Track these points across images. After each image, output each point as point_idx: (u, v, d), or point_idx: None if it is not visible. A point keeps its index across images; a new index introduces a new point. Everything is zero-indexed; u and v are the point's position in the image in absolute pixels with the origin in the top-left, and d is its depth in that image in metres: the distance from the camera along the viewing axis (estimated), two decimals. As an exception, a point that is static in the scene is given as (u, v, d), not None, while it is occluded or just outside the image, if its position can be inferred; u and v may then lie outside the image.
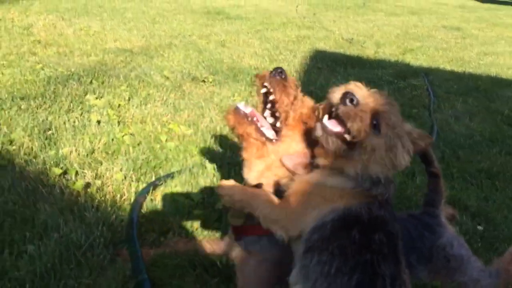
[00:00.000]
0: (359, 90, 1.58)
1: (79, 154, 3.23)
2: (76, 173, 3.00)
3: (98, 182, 2.91)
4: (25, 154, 3.16)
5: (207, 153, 3.45)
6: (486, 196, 3.24)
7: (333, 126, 1.59)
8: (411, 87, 6.02)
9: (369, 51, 7.99)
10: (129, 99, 4.33)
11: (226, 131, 3.81)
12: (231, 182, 1.78)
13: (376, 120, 1.55)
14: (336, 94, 1.58)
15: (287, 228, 1.75)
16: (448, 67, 7.43)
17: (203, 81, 5.23)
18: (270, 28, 9.14)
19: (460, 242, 2.43)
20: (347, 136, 1.57)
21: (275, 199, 1.76)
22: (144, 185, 2.92)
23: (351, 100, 1.54)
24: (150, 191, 2.82)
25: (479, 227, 2.81)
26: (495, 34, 11.73)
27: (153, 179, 3.01)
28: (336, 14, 12.05)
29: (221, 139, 3.72)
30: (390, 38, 9.44)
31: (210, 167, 3.21)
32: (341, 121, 1.57)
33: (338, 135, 1.58)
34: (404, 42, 9.14)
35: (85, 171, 3.02)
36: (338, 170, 1.68)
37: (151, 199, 2.79)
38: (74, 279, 2.11)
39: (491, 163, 3.78)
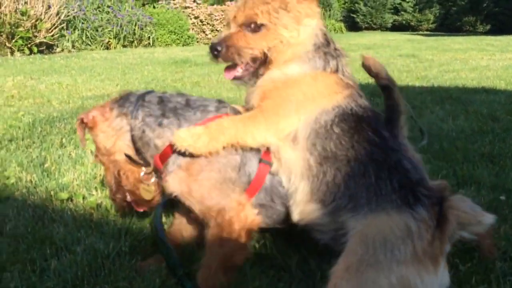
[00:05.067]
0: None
1: (82, 181, 3.08)
2: (83, 197, 2.85)
3: (110, 202, 2.76)
4: (24, 187, 2.98)
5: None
6: (497, 173, 3.27)
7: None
8: (388, 102, 6.17)
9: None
10: (120, 132, 4.21)
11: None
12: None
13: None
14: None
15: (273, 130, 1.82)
16: (417, 84, 7.71)
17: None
18: (239, 69, 9.32)
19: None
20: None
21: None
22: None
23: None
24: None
25: (502, 197, 2.81)
26: (448, 57, 12.38)
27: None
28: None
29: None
30: (354, 66, 9.76)
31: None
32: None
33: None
34: (369, 69, 9.46)
35: (93, 193, 2.87)
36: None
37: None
38: (109, 283, 1.94)
39: (490, 148, 3.85)
